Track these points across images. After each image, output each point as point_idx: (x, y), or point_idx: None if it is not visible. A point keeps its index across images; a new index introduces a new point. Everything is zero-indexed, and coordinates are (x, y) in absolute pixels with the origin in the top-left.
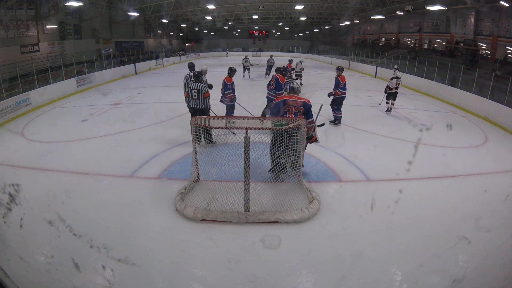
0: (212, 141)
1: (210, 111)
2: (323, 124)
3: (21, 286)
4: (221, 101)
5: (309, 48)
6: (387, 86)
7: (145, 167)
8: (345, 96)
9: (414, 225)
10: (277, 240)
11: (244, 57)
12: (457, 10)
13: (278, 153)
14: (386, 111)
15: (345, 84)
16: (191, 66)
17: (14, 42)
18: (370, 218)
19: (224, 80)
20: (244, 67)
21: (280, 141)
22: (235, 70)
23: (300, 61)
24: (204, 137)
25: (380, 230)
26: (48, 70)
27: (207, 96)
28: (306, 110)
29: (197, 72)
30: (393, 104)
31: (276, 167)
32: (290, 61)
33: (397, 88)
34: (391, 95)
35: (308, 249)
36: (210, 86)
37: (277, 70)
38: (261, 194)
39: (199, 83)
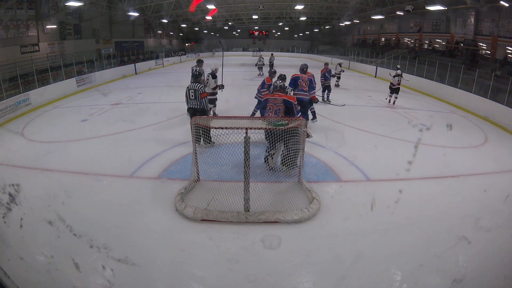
0: (210, 141)
1: (210, 111)
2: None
3: (21, 286)
4: (255, 97)
5: (309, 48)
6: (391, 83)
7: (145, 167)
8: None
9: (414, 225)
10: (277, 240)
11: (259, 56)
12: (457, 10)
13: (268, 146)
14: (389, 103)
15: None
16: (199, 61)
17: (14, 42)
18: (370, 218)
19: (264, 79)
20: (258, 66)
21: (271, 136)
22: (275, 72)
23: (339, 64)
24: (202, 137)
25: (380, 230)
26: (48, 70)
27: (204, 96)
28: (287, 108)
29: (196, 72)
30: (396, 98)
31: (265, 157)
32: (326, 64)
33: (399, 84)
34: (394, 90)
35: (308, 249)
36: (222, 86)
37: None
38: (261, 194)
39: (197, 83)
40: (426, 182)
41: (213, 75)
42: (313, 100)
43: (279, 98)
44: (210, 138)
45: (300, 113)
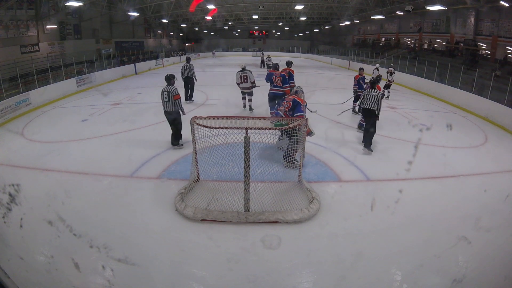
0: (178, 143)
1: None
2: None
3: (21, 286)
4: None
5: (309, 48)
6: (388, 81)
7: (145, 167)
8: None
9: (414, 225)
10: (277, 240)
11: (267, 56)
12: (457, 10)
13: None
14: (386, 98)
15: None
16: (189, 59)
17: (14, 42)
18: (370, 218)
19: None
20: (267, 66)
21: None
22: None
23: (376, 68)
24: (173, 137)
25: (380, 230)
26: (48, 70)
27: (176, 98)
28: (293, 106)
29: (169, 74)
30: (389, 92)
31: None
32: (361, 70)
33: (393, 80)
34: (388, 86)
35: (308, 249)
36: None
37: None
38: (261, 194)
39: (170, 86)
40: (426, 182)
41: (250, 70)
42: (287, 94)
43: (291, 97)
44: (179, 140)
45: (303, 112)
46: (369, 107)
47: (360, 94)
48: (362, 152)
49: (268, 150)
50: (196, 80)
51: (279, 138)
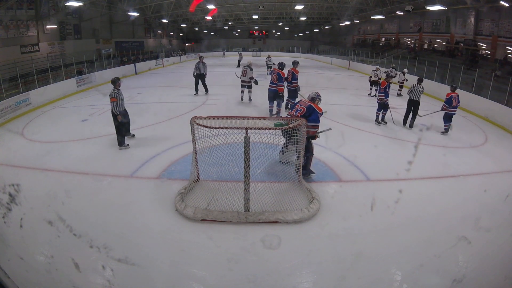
0: (122, 144)
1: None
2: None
3: (21, 286)
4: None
5: (309, 48)
6: (374, 78)
7: (145, 167)
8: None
9: (414, 225)
10: (277, 240)
11: (267, 56)
12: (457, 10)
13: (285, 142)
14: (370, 95)
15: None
16: (201, 57)
17: (14, 42)
18: (370, 218)
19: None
20: (267, 65)
21: (286, 134)
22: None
23: (402, 72)
24: (120, 137)
25: (380, 230)
26: (48, 70)
27: (111, 101)
28: (308, 112)
29: (113, 78)
30: (376, 90)
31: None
32: (389, 77)
33: (380, 78)
34: (373, 83)
35: (308, 249)
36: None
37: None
38: (261, 194)
39: (113, 88)
40: (426, 182)
41: (250, 68)
42: (280, 92)
43: (307, 103)
44: (122, 142)
45: (319, 122)
46: (416, 99)
47: (386, 103)
48: (407, 129)
49: (268, 150)
50: (205, 76)
51: (282, 152)
